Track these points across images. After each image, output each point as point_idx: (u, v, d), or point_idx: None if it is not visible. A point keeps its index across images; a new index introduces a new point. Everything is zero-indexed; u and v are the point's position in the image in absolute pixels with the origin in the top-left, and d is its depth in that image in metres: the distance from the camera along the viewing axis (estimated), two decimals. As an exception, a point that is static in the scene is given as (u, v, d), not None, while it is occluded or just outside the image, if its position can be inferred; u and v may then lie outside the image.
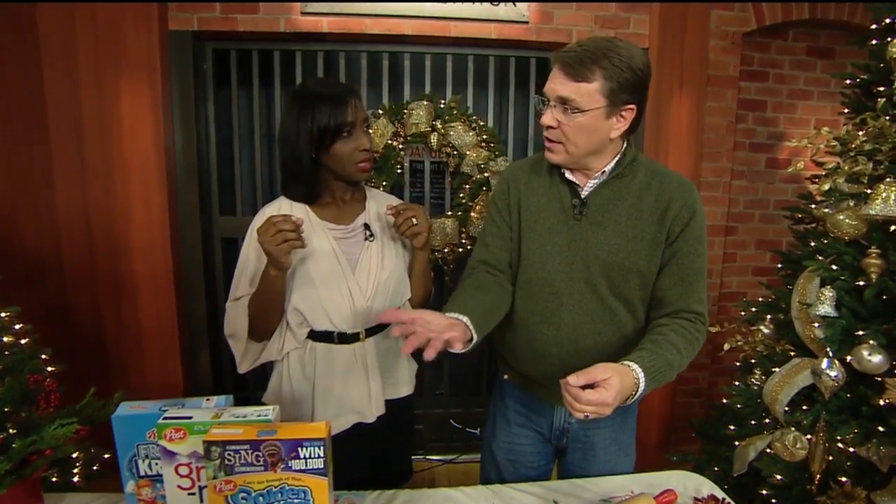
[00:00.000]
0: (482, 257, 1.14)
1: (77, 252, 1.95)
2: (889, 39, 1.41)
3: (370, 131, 1.17)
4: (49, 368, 1.36)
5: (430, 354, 0.86)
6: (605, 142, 0.99)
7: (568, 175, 1.04)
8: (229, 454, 0.76)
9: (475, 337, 0.94)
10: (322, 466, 0.77)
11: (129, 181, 1.92)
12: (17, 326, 1.37)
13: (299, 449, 0.76)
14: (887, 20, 1.47)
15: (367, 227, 1.19)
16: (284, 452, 0.76)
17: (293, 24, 1.97)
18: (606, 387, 0.80)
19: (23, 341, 1.36)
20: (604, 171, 1.03)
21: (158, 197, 1.94)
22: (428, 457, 2.43)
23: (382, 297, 1.17)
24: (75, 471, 1.42)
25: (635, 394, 0.88)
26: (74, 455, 1.40)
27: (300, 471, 0.77)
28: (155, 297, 1.99)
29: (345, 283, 1.13)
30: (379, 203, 1.24)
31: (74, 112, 1.88)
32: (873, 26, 1.52)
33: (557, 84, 0.95)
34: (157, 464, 0.87)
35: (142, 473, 0.88)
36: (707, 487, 1.07)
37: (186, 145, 2.01)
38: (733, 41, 2.15)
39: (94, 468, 1.49)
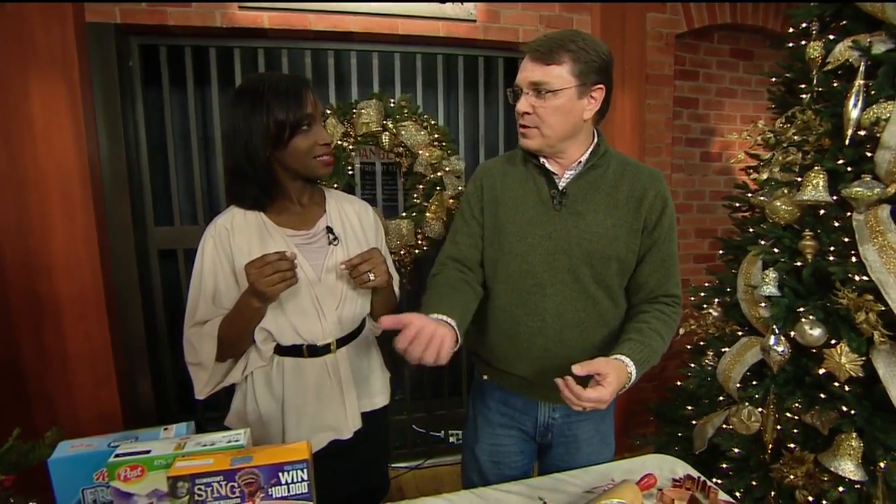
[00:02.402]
0: (452, 254, 1.15)
1: (-17, 274, 1.71)
2: (804, 43, 1.55)
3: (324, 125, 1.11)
4: (-43, 410, 1.17)
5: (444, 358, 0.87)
6: (580, 124, 1.01)
7: (547, 165, 1.05)
8: (199, 489, 0.68)
9: (459, 341, 0.93)
10: (307, 491, 0.71)
11: (47, 192, 1.70)
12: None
13: (280, 474, 0.70)
14: (803, 25, 1.61)
15: (329, 230, 1.11)
16: (264, 480, 0.69)
17: (230, 18, 1.84)
18: (605, 384, 0.87)
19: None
20: (580, 162, 1.05)
21: (82, 208, 1.74)
22: (393, 465, 2.37)
23: (352, 304, 1.10)
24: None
25: (627, 384, 0.94)
26: (-7, 508, 1.22)
27: (282, 498, 0.70)
28: (83, 318, 1.78)
29: (311, 293, 1.05)
30: (340, 203, 1.17)
31: (-29, 114, 1.65)
32: (791, 30, 1.66)
33: (528, 72, 0.99)
34: (108, 508, 0.77)
35: (89, 521, 0.77)
36: (681, 468, 1.11)
37: (114, 151, 1.82)
38: (667, 42, 2.28)
39: (18, 520, 1.30)
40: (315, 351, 1.07)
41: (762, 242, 1.49)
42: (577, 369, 0.86)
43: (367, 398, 1.17)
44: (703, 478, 1.04)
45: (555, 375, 0.98)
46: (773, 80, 1.72)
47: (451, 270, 1.12)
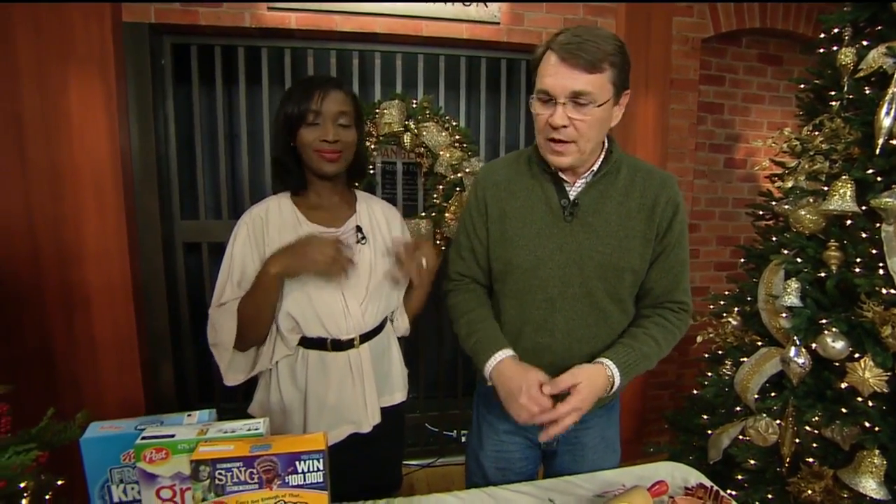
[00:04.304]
0: (460, 270, 1.14)
1: (19, 260, 1.78)
2: (836, 48, 1.52)
3: (350, 128, 1.11)
4: (-8, 390, 1.23)
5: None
6: (607, 132, 0.97)
7: (561, 174, 1.01)
8: (220, 473, 0.70)
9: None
10: (322, 480, 0.73)
11: (80, 184, 1.77)
12: (-46, 344, 1.23)
13: (297, 463, 0.72)
14: (836, 30, 1.57)
15: (359, 229, 1.15)
16: (281, 468, 0.72)
17: (259, 19, 1.89)
18: (574, 393, 0.90)
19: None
20: (593, 170, 1.00)
21: (114, 200, 1.81)
22: (405, 462, 2.39)
23: (376, 302, 1.13)
24: (24, 502, 1.30)
25: (611, 388, 0.96)
26: (23, 484, 1.28)
27: (298, 486, 0.72)
28: (111, 307, 1.85)
29: (338, 288, 1.09)
30: (370, 205, 1.21)
31: (13, 107, 1.72)
32: (822, 35, 1.62)
33: (567, 79, 0.87)
34: (133, 488, 0.80)
35: (115, 500, 0.81)
36: (694, 477, 1.10)
37: (144, 145, 1.89)
38: (693, 46, 2.25)
39: (47, 497, 1.36)
40: (339, 345, 1.10)
41: (784, 252, 1.47)
42: (548, 390, 0.90)
43: (387, 394, 1.20)
44: (716, 487, 1.03)
45: None
46: (802, 86, 1.68)
47: (468, 285, 1.13)
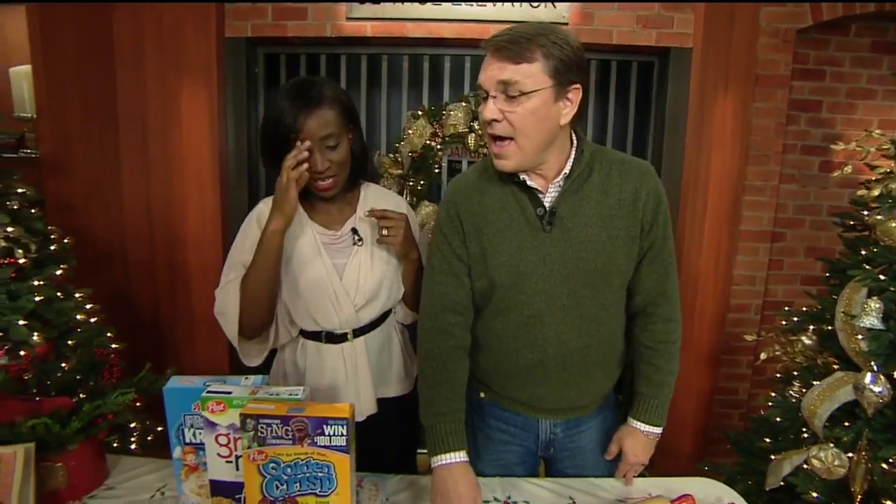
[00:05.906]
0: (441, 303, 1.02)
1: (139, 242, 2.13)
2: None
3: (338, 147, 1.07)
4: (113, 345, 1.52)
5: None
6: (557, 130, 0.91)
7: (528, 181, 0.95)
8: (262, 427, 0.83)
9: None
10: (345, 444, 0.83)
11: (186, 178, 2.07)
12: (88, 307, 1.54)
13: (324, 426, 0.82)
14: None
15: (354, 231, 1.16)
16: (311, 429, 0.82)
17: (339, 28, 2.06)
18: (624, 457, 1.08)
19: (92, 320, 1.54)
20: (564, 173, 0.95)
21: (212, 193, 2.09)
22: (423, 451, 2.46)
23: (372, 302, 1.16)
24: (133, 438, 1.58)
25: (655, 437, 1.08)
26: (133, 424, 1.57)
27: (325, 447, 0.83)
28: (206, 287, 2.13)
29: (330, 289, 1.12)
30: (373, 203, 1.19)
31: (141, 112, 2.05)
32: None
33: (495, 70, 0.86)
34: (200, 433, 0.95)
35: (187, 441, 0.97)
36: (728, 496, 1.05)
37: (238, 145, 2.15)
38: (785, 39, 2.06)
39: (149, 438, 1.64)
40: (332, 338, 1.16)
41: (868, 267, 1.32)
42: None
43: (386, 386, 1.22)
44: (749, 509, 0.99)
45: (556, 397, 1.07)
46: (910, 81, 1.49)
47: (444, 338, 1.01)
